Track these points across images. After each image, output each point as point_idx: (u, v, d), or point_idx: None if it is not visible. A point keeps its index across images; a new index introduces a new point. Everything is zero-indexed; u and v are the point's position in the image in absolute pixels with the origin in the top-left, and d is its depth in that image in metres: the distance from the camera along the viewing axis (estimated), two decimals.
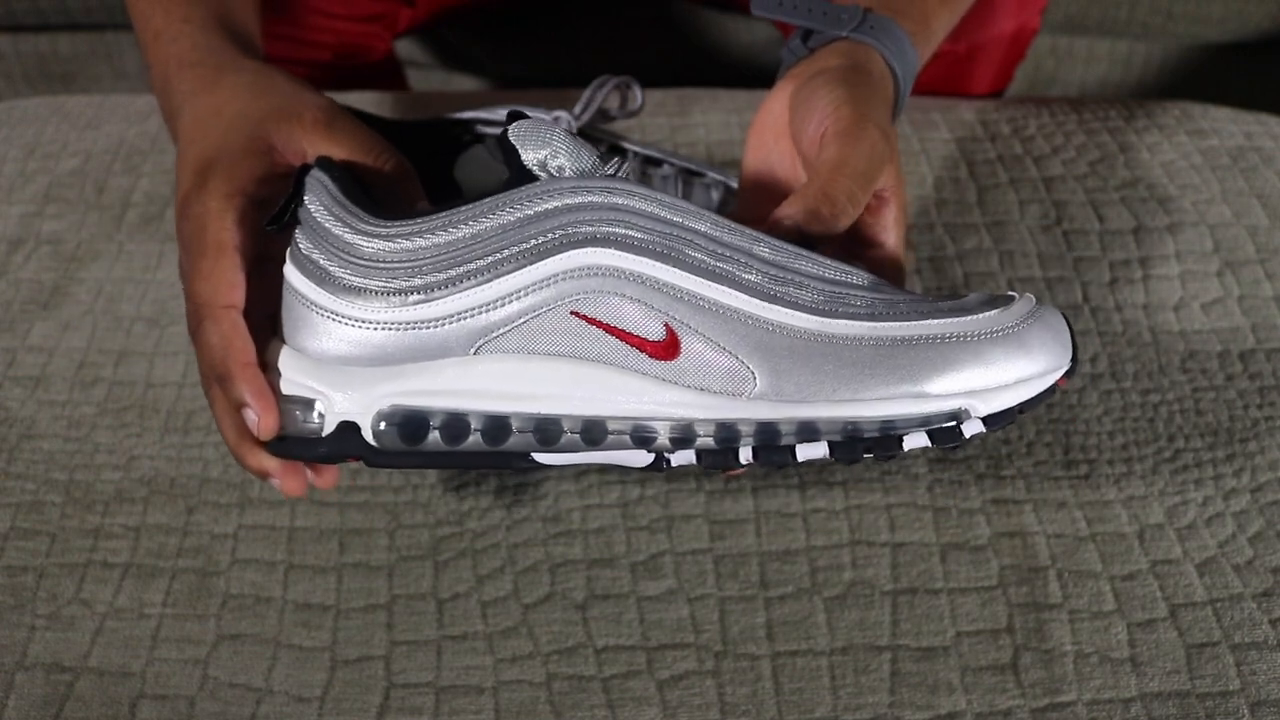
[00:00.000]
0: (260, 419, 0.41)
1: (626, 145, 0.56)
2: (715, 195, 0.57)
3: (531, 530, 0.48)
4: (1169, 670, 0.44)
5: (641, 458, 0.42)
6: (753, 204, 0.51)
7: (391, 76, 0.90)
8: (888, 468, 0.50)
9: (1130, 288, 0.59)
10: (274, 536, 0.48)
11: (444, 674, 0.44)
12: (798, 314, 0.41)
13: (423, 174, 0.47)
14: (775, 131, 0.50)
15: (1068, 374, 0.42)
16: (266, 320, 0.43)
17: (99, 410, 0.53)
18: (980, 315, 0.41)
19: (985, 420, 0.41)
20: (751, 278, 0.41)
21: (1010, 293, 0.44)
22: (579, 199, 0.40)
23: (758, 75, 1.02)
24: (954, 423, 0.41)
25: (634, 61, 0.77)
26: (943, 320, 0.41)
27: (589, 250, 0.40)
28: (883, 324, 0.41)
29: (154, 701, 0.43)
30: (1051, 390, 0.42)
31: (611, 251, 0.40)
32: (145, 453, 0.52)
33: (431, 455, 0.41)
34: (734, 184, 0.57)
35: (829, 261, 0.42)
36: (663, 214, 0.41)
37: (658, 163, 0.57)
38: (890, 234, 0.47)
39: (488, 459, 0.42)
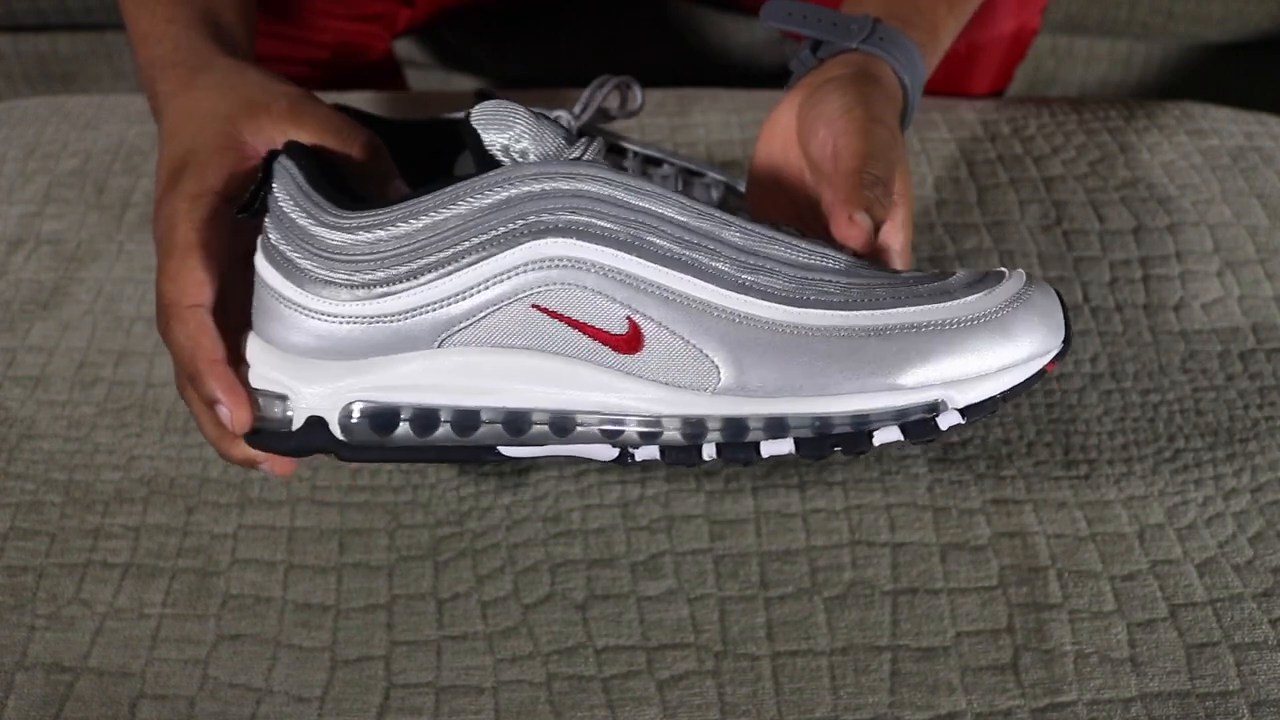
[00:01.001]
0: (232, 414, 0.41)
1: (626, 145, 0.56)
2: (715, 195, 0.57)
3: (531, 530, 0.48)
4: (1169, 670, 0.44)
5: (607, 451, 0.41)
6: (759, 214, 0.51)
7: (391, 76, 0.90)
8: (888, 467, 0.50)
9: (1130, 288, 0.59)
10: (274, 536, 0.48)
11: (444, 674, 0.44)
12: (767, 304, 0.40)
13: (422, 174, 0.47)
14: (783, 140, 0.50)
15: (1058, 357, 0.41)
16: (248, 317, 0.43)
17: (99, 410, 0.53)
18: (962, 300, 0.40)
19: (964, 411, 0.40)
20: (720, 266, 0.40)
21: (1001, 269, 0.42)
22: (541, 185, 0.40)
23: (758, 75, 1.02)
24: (930, 415, 0.40)
25: (634, 61, 0.77)
26: (921, 307, 0.40)
27: (549, 240, 0.39)
28: (856, 313, 0.40)
29: (154, 701, 0.43)
30: (1039, 375, 0.41)
31: (572, 241, 0.39)
32: (145, 453, 0.52)
33: (401, 448, 0.41)
34: (735, 184, 0.57)
35: (804, 244, 0.41)
36: (629, 199, 0.40)
37: (658, 162, 0.57)
38: (896, 238, 0.47)
39: (457, 452, 0.42)
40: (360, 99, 0.69)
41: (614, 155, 0.56)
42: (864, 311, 0.40)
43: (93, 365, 0.55)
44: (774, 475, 0.50)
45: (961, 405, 0.40)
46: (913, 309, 0.40)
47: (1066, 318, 0.41)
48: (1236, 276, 0.59)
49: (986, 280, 0.41)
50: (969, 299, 0.40)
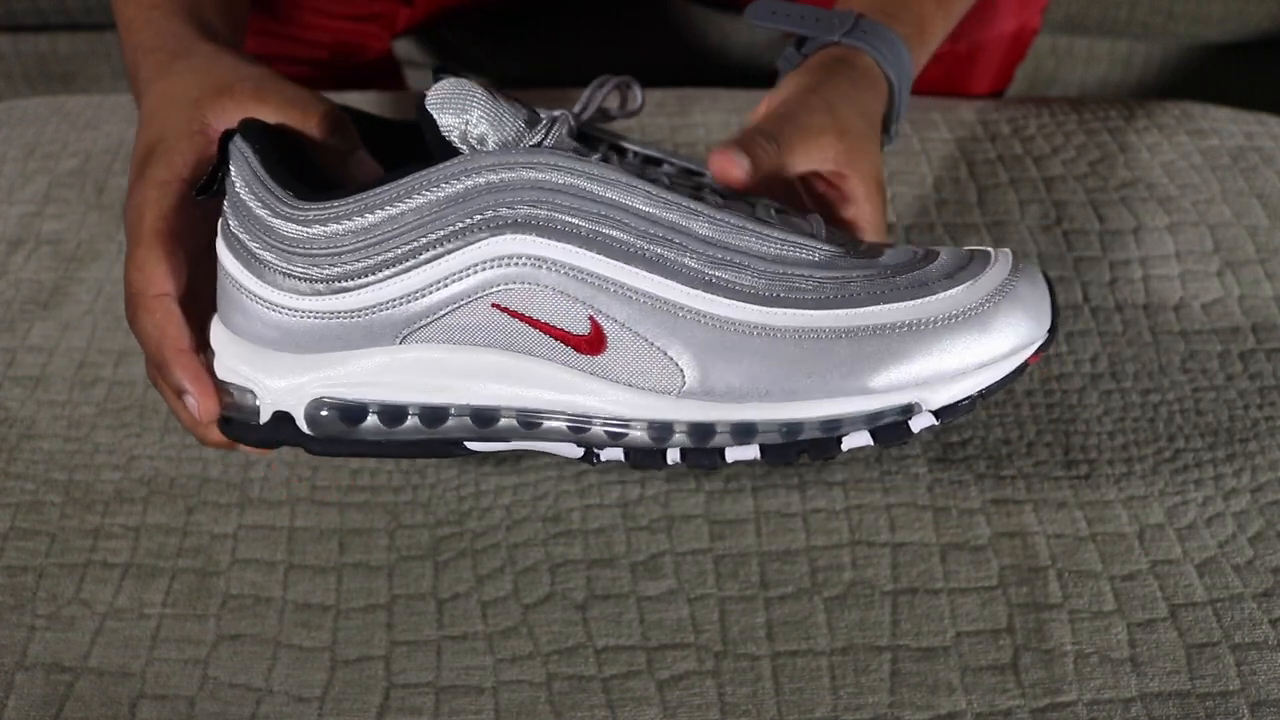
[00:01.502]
0: (199, 404, 0.41)
1: (626, 145, 0.56)
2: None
3: (531, 530, 0.48)
4: (1169, 670, 0.44)
5: (573, 450, 0.41)
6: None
7: (390, 76, 0.91)
8: (888, 468, 0.50)
9: (1130, 288, 0.59)
10: (274, 536, 0.48)
11: (444, 674, 0.44)
12: (735, 303, 0.38)
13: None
14: None
15: (1042, 348, 0.39)
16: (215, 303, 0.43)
17: (99, 410, 0.53)
18: (940, 295, 0.38)
19: (938, 413, 0.38)
20: (687, 261, 0.38)
21: (987, 250, 0.41)
22: (498, 176, 0.38)
23: (758, 75, 1.02)
24: (904, 417, 0.38)
25: (634, 61, 0.77)
26: (898, 305, 0.38)
27: (508, 237, 0.38)
28: (828, 312, 0.38)
29: (154, 701, 0.43)
30: (1020, 369, 0.39)
31: (531, 238, 0.38)
32: (145, 453, 0.52)
33: (370, 442, 0.41)
34: None
35: (777, 234, 0.39)
36: (591, 189, 0.38)
37: (658, 162, 0.57)
38: (861, 209, 0.47)
39: (426, 446, 0.41)
40: (360, 99, 0.69)
41: (613, 155, 0.56)
42: (837, 310, 0.38)
43: (93, 365, 0.55)
44: (774, 475, 0.50)
45: (936, 407, 0.38)
46: (888, 307, 0.38)
47: (1054, 306, 0.39)
48: (1236, 276, 0.59)
49: (970, 268, 0.39)
50: (948, 293, 0.38)
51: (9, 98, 0.93)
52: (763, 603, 0.46)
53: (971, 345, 0.38)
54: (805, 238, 0.40)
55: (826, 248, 0.40)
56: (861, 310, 0.38)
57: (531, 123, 0.39)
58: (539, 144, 0.39)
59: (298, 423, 0.41)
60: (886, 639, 0.45)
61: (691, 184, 0.42)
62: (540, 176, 0.38)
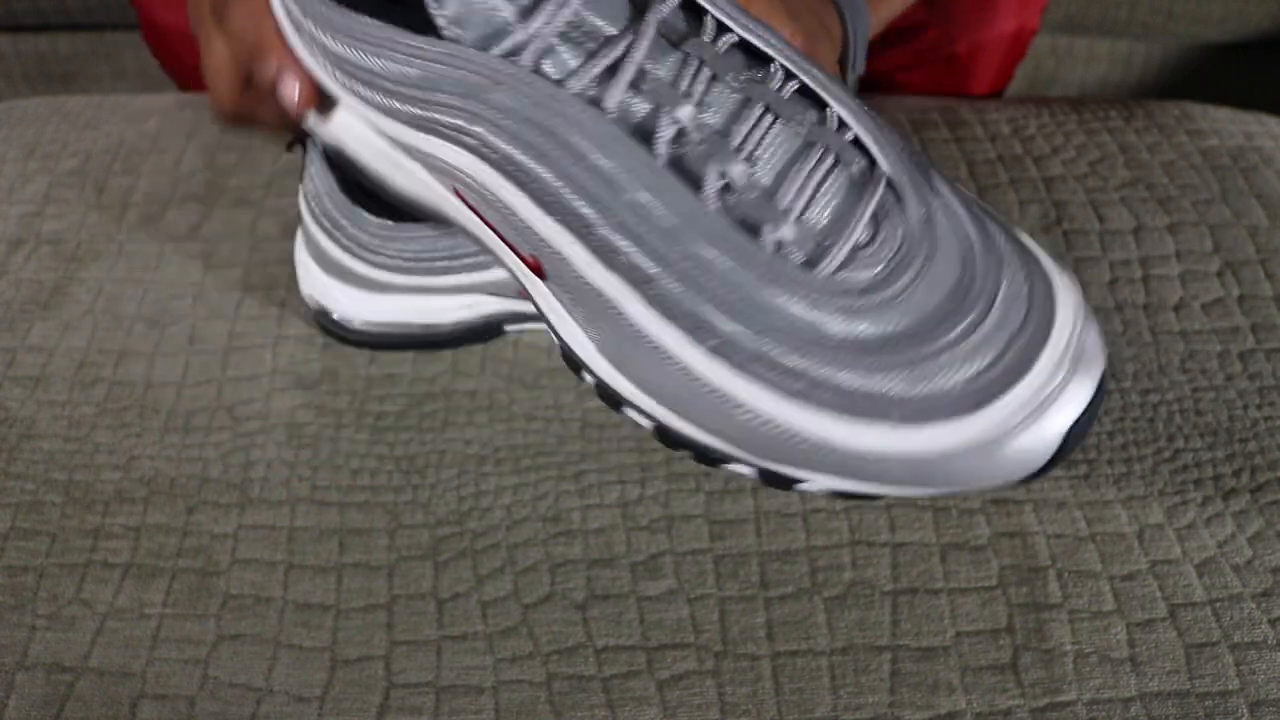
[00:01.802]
0: (300, 87, 0.40)
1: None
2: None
3: (531, 530, 0.48)
4: (1168, 670, 0.44)
5: (528, 306, 0.43)
6: None
7: None
8: None
9: (1130, 288, 0.59)
10: (274, 536, 0.48)
11: (444, 674, 0.44)
12: (672, 328, 0.31)
13: None
14: None
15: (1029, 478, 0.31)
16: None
17: (99, 410, 0.53)
18: (940, 427, 0.29)
19: (838, 493, 0.34)
20: (637, 260, 0.31)
21: (1050, 328, 0.30)
22: (463, 74, 0.30)
23: None
24: (800, 483, 0.35)
25: None
26: (854, 425, 0.29)
27: (465, 154, 0.33)
28: (766, 392, 0.30)
29: (154, 701, 0.43)
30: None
31: (485, 168, 0.32)
32: (145, 453, 0.52)
33: (368, 170, 0.41)
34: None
35: (764, 257, 0.30)
36: (559, 130, 0.30)
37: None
38: None
39: (414, 210, 0.41)
40: None
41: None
42: (776, 398, 0.31)
43: (93, 365, 0.55)
44: None
45: (842, 490, 0.33)
46: (841, 426, 0.30)
47: (1066, 445, 0.30)
48: (1236, 276, 0.59)
49: (1002, 372, 0.29)
50: (950, 427, 0.30)
51: (9, 98, 0.93)
52: (763, 603, 0.46)
53: (950, 473, 0.31)
54: (808, 266, 0.31)
55: (839, 301, 0.30)
56: (804, 413, 0.30)
57: (527, 8, 0.30)
58: (518, 49, 0.30)
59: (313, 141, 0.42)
60: (886, 639, 0.45)
61: (747, 72, 0.33)
62: (501, 99, 0.30)
